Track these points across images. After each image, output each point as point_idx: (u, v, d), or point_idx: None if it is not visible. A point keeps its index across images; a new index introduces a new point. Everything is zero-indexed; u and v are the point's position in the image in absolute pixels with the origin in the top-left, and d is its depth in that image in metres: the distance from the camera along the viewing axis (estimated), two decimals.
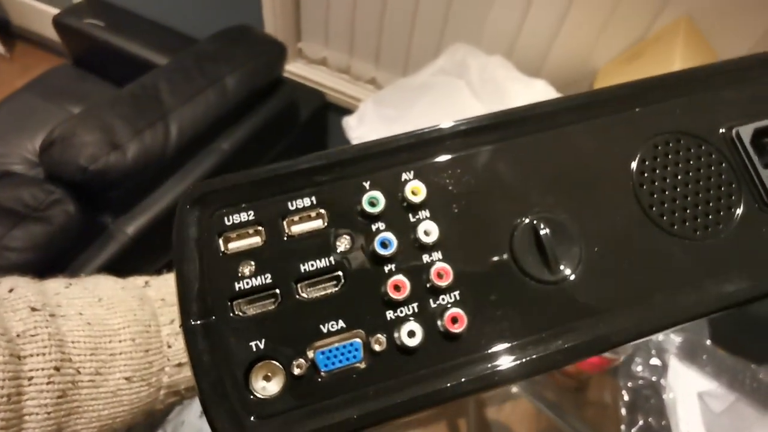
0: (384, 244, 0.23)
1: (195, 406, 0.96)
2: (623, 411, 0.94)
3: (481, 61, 1.08)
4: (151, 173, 1.14)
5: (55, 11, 1.61)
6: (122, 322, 0.31)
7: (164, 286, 0.36)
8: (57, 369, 0.27)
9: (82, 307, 0.31)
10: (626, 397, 0.95)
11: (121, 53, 1.50)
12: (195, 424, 1.16)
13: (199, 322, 0.22)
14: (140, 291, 0.35)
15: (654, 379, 0.95)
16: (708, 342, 0.99)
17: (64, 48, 1.66)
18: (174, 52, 1.38)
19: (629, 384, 0.95)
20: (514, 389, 1.01)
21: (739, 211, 0.25)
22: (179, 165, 1.21)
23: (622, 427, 0.93)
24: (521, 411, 1.09)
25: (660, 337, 0.98)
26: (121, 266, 1.12)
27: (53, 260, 1.04)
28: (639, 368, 0.96)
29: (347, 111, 1.56)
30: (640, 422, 0.92)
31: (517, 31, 1.19)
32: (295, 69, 1.59)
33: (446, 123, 0.25)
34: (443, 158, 0.25)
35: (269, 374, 0.21)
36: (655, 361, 0.97)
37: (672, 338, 0.98)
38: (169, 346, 0.34)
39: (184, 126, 1.15)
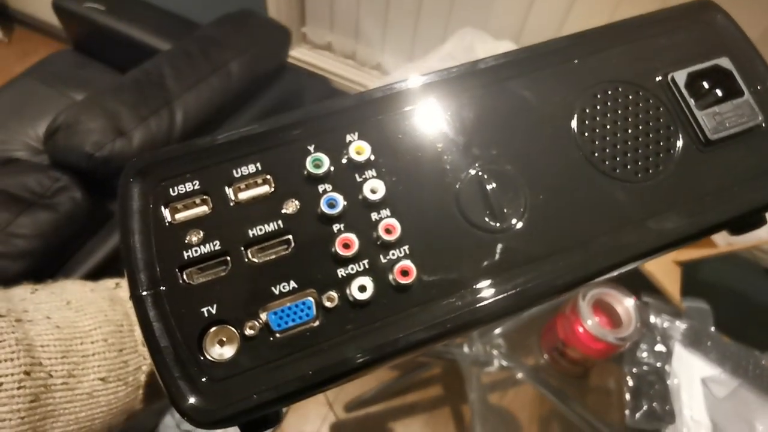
0: (331, 204, 0.23)
1: None
2: (628, 396, 0.95)
3: (490, 46, 1.08)
4: None
5: None
6: (93, 323, 0.31)
7: None
8: (27, 374, 0.27)
9: (49, 311, 0.30)
10: (631, 383, 0.95)
11: (122, 38, 1.48)
12: None
13: (147, 292, 0.22)
14: (111, 292, 0.34)
15: (659, 365, 0.96)
16: (712, 329, 1.00)
17: (64, 32, 1.64)
18: (175, 37, 1.37)
19: (634, 370, 0.96)
20: (519, 375, 1.02)
21: (677, 152, 0.26)
22: None
23: (627, 411, 0.94)
24: (524, 397, 1.11)
25: (665, 324, 0.99)
26: None
27: (60, 247, 1.03)
28: (644, 354, 0.97)
29: None
30: (645, 407, 0.93)
31: (525, 16, 1.18)
32: (299, 55, 1.58)
33: (389, 83, 0.26)
34: (387, 117, 0.25)
35: (224, 339, 0.22)
36: (660, 347, 0.97)
37: (677, 325, 0.99)
38: (144, 345, 0.34)
39: (189, 112, 1.14)
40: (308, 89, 1.48)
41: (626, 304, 0.90)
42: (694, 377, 0.94)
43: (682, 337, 0.98)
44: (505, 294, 0.23)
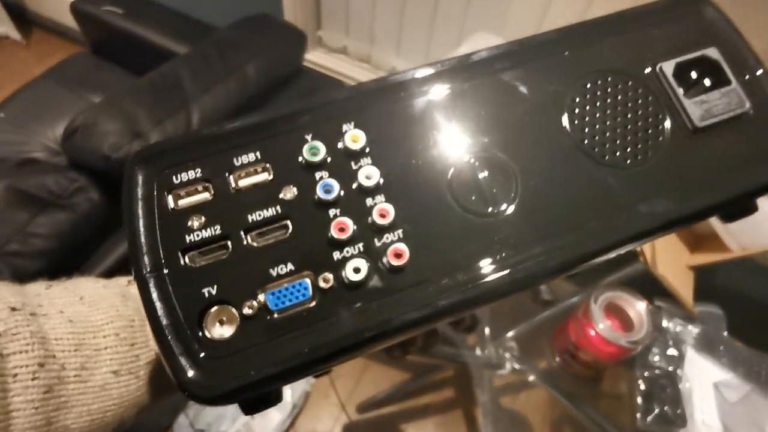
0: (327, 190, 0.24)
1: None
2: (639, 400, 0.94)
3: None
4: None
5: None
6: (105, 318, 0.32)
7: None
8: (41, 365, 0.27)
9: (63, 305, 0.31)
10: (642, 387, 0.95)
11: (139, 41, 1.50)
12: (217, 408, 1.18)
13: (151, 274, 0.23)
14: (123, 289, 0.35)
15: (671, 368, 0.96)
16: (725, 333, 1.00)
17: (82, 35, 1.66)
18: (193, 41, 1.38)
19: (646, 373, 0.96)
20: (531, 378, 1.02)
21: (666, 139, 0.27)
22: None
23: (638, 415, 0.93)
24: (536, 400, 1.10)
25: (678, 328, 0.99)
26: None
27: (77, 247, 1.05)
28: (656, 358, 0.97)
29: None
30: (656, 411, 0.93)
31: (539, 20, 1.19)
32: (314, 58, 1.59)
33: (384, 75, 0.27)
34: (382, 107, 0.26)
35: (224, 318, 0.22)
36: (672, 351, 0.97)
37: (689, 329, 0.98)
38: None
39: (205, 114, 1.15)
40: (323, 92, 1.48)
41: (638, 308, 0.90)
42: (706, 381, 0.94)
43: (694, 342, 0.98)
44: (497, 276, 0.24)
